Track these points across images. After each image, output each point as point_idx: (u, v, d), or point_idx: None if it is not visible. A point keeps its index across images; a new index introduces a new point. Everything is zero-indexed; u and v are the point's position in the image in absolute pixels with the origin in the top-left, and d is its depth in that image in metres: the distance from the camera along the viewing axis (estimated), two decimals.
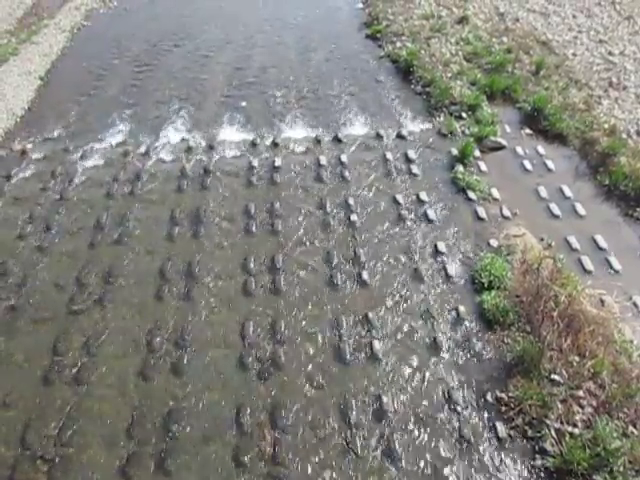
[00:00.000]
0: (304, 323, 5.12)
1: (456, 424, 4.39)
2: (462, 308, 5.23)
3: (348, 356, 4.85)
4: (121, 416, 4.42)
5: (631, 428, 4.17)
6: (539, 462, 4.13)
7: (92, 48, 9.90)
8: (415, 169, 6.91)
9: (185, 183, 6.78)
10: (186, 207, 6.40)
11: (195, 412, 4.45)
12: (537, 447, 4.19)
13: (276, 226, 6.14)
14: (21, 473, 4.11)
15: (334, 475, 4.10)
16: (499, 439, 4.27)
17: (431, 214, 6.26)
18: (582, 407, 4.34)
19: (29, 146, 7.43)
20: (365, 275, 5.55)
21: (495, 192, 6.50)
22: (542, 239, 5.82)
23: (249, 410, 4.43)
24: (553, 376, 4.51)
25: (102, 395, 4.55)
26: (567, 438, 4.14)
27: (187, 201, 6.49)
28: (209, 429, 4.33)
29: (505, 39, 9.32)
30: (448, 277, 5.54)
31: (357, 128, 7.67)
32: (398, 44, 9.49)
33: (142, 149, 7.38)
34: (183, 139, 7.55)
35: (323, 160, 7.05)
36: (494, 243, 5.83)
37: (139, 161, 7.13)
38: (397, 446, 4.24)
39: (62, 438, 4.30)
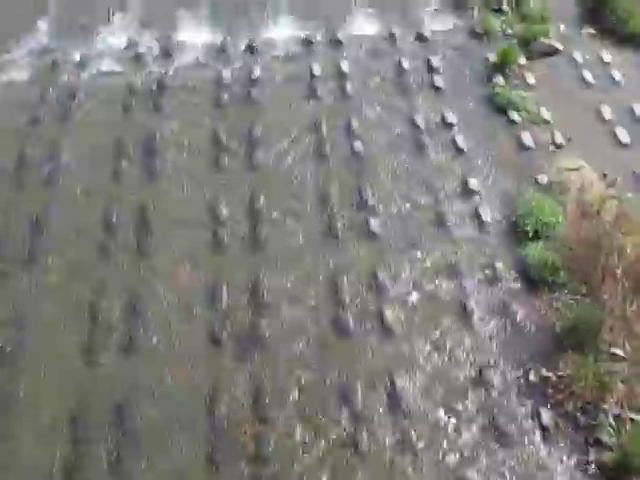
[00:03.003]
0: (290, 287, 4.98)
1: (490, 411, 4.31)
2: (499, 264, 5.10)
3: (352, 328, 4.73)
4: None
5: None
6: (593, 456, 4.10)
7: None
8: (440, 82, 6.66)
9: (133, 103, 6.52)
10: (136, 135, 6.19)
11: None
12: (591, 438, 4.17)
13: (255, 159, 5.94)
14: None
15: None
16: (544, 429, 4.22)
17: (461, 141, 6.07)
18: None
19: None
20: (374, 223, 5.39)
21: (545, 112, 6.31)
22: (605, 174, 5.69)
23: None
24: (614, 350, 4.48)
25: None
26: (628, 427, 4.14)
27: (137, 127, 6.28)
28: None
29: None
30: (482, 224, 5.40)
31: (362, 25, 7.36)
32: None
33: (75, 58, 7.03)
34: (129, 43, 7.19)
35: (317, 70, 6.79)
36: (543, 179, 5.70)
37: (73, 74, 6.83)
38: (414, 438, 4.18)
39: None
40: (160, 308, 4.85)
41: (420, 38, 7.08)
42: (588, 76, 6.62)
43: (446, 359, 4.59)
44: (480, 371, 4.49)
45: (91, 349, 4.62)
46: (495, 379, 4.45)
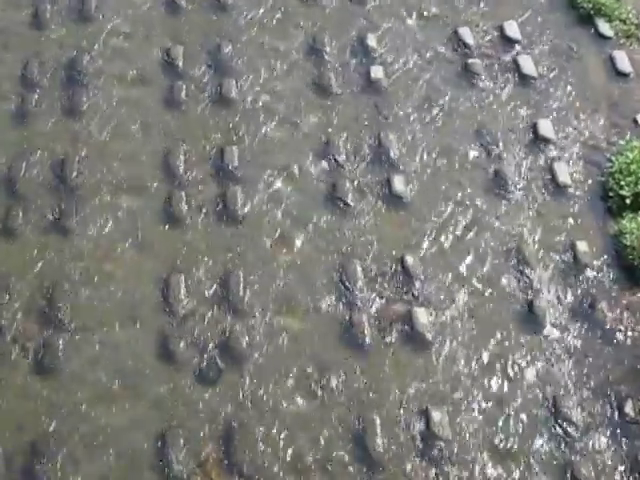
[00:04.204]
0: (279, 278, 4.85)
1: (568, 461, 4.19)
2: (582, 245, 5.02)
3: (369, 338, 4.59)
4: None
5: None
6: None
7: None
8: None
9: (48, 11, 6.28)
10: (52, 55, 6.05)
11: None
12: None
13: (227, 90, 5.82)
14: None
15: None
16: None
17: (527, 65, 5.95)
18: None
19: None
20: (398, 183, 5.29)
21: None
22: None
23: None
24: None
25: None
26: None
27: (53, 43, 6.13)
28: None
29: None
30: (557, 187, 5.33)
31: None
32: None
33: None
34: None
35: None
36: None
37: None
38: None
39: None
40: (91, 307, 4.71)
41: None
42: None
43: (503, 383, 4.46)
44: (553, 400, 4.36)
45: None
46: (575, 412, 4.35)
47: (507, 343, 4.62)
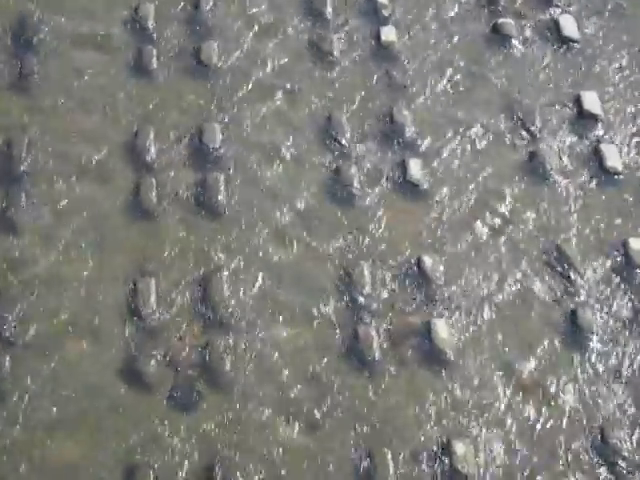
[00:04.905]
0: (272, 288, 4.82)
1: None
2: (635, 243, 4.96)
3: (377, 357, 4.56)
4: None
5: None
6: None
7: None
8: None
9: None
10: (4, 15, 6.07)
11: None
12: None
13: (206, 56, 5.78)
14: None
15: None
16: None
17: (568, 25, 5.88)
18: None
19: None
20: (414, 168, 5.23)
21: None
22: None
23: None
24: None
25: None
26: None
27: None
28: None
29: None
30: (605, 172, 5.27)
31: None
32: None
33: None
34: None
35: None
36: None
37: None
38: None
39: None
40: (43, 319, 4.67)
41: None
42: None
43: (539, 410, 4.42)
44: (600, 430, 4.32)
45: None
46: (626, 445, 4.29)
47: (545, 361, 4.59)
